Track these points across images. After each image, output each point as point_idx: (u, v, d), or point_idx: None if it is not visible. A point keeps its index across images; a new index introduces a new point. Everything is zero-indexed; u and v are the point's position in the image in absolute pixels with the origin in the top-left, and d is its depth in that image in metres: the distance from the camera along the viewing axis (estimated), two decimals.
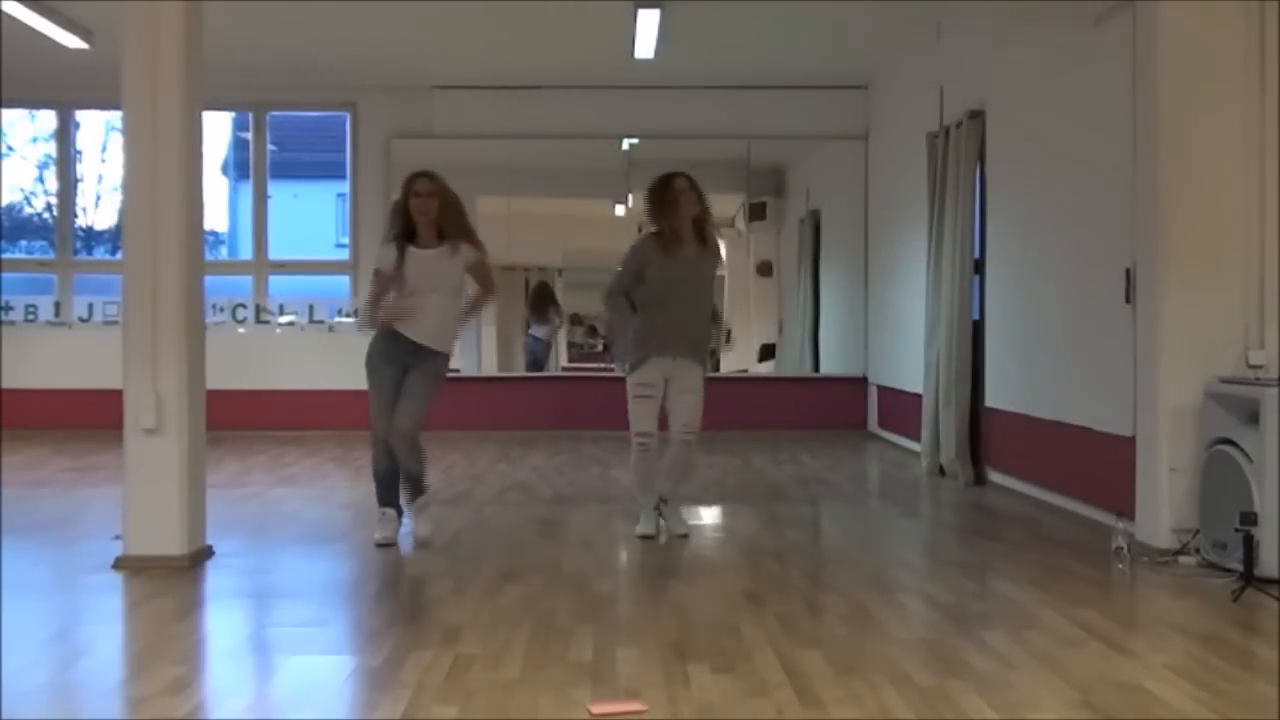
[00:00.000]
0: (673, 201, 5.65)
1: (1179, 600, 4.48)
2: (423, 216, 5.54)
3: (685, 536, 5.75)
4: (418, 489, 5.70)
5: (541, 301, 11.23)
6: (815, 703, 3.21)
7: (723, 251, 6.01)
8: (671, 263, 5.66)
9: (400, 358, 5.58)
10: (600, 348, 11.33)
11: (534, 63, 10.11)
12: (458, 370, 5.52)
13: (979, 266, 7.68)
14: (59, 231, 11.65)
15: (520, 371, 11.15)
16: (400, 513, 5.70)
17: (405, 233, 5.57)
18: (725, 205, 10.71)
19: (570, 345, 11.37)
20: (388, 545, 5.51)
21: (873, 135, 10.79)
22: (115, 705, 3.32)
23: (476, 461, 8.48)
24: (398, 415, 5.52)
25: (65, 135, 11.48)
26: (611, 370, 11.14)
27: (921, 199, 8.45)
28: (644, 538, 5.69)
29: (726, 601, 4.47)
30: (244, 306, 10.97)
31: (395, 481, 5.67)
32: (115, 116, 10.85)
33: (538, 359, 11.25)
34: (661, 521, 5.82)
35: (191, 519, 5.11)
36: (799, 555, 5.40)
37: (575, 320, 11.34)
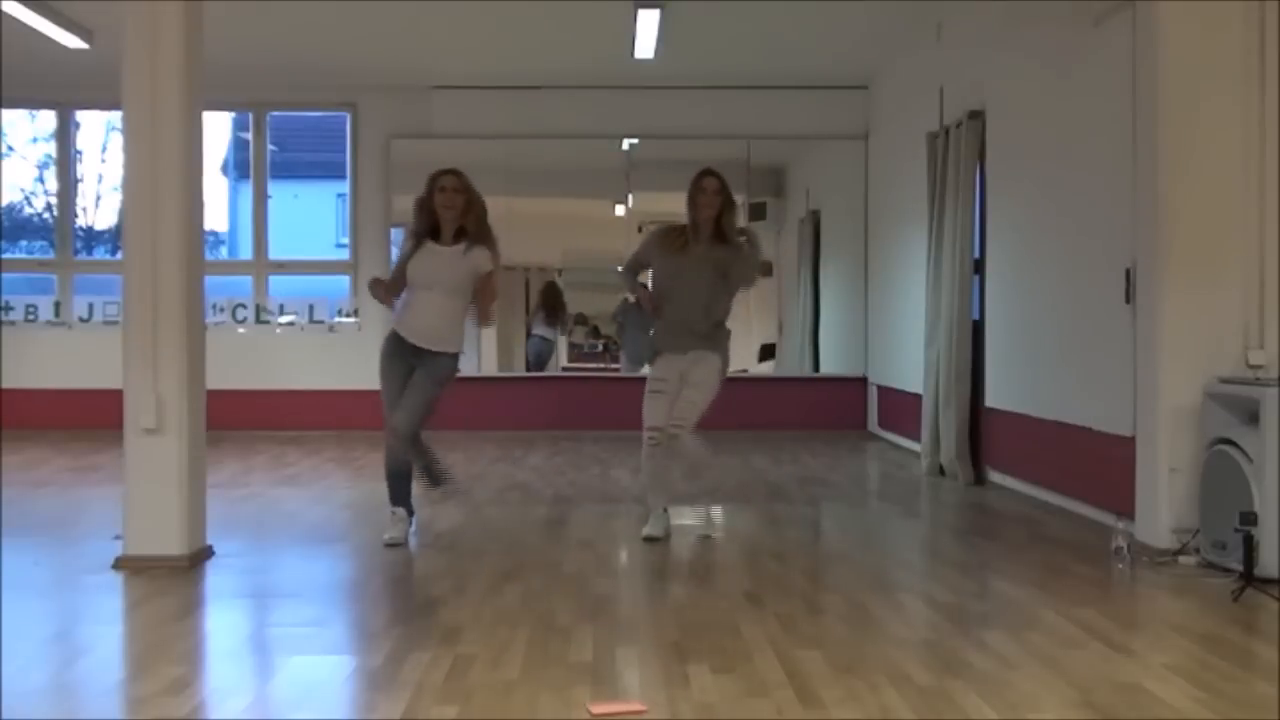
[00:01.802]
0: (692, 198, 5.70)
1: (1179, 600, 4.48)
2: (448, 211, 5.53)
3: (708, 538, 5.78)
4: (433, 478, 5.67)
5: (549, 303, 11.22)
6: (815, 703, 3.21)
7: (759, 248, 5.97)
8: (675, 258, 5.69)
9: (405, 356, 5.56)
10: (601, 348, 11.32)
11: (534, 63, 10.11)
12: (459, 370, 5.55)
13: (979, 266, 7.68)
14: (59, 231, 11.64)
15: (521, 371, 11.16)
16: (411, 513, 5.65)
17: (429, 229, 5.58)
18: None
19: (571, 345, 11.36)
20: (396, 545, 5.48)
21: (873, 135, 10.79)
22: (115, 705, 3.32)
23: (476, 461, 8.48)
24: (396, 413, 5.50)
25: (65, 135, 11.47)
26: (613, 370, 11.23)
27: (921, 199, 8.45)
28: (649, 540, 5.61)
29: (726, 601, 4.46)
30: (244, 306, 10.97)
31: (407, 481, 5.63)
32: (115, 116, 10.88)
33: (541, 358, 11.25)
34: (671, 524, 5.77)
35: (191, 519, 5.11)
36: (799, 555, 5.40)
37: (579, 320, 11.33)
